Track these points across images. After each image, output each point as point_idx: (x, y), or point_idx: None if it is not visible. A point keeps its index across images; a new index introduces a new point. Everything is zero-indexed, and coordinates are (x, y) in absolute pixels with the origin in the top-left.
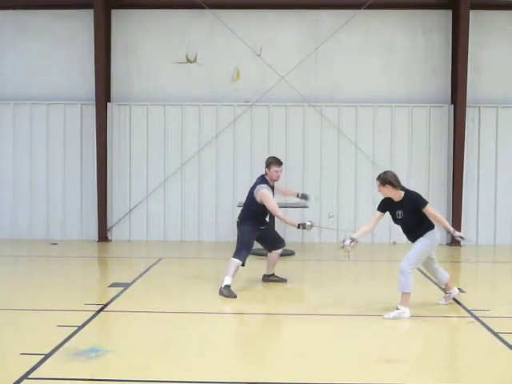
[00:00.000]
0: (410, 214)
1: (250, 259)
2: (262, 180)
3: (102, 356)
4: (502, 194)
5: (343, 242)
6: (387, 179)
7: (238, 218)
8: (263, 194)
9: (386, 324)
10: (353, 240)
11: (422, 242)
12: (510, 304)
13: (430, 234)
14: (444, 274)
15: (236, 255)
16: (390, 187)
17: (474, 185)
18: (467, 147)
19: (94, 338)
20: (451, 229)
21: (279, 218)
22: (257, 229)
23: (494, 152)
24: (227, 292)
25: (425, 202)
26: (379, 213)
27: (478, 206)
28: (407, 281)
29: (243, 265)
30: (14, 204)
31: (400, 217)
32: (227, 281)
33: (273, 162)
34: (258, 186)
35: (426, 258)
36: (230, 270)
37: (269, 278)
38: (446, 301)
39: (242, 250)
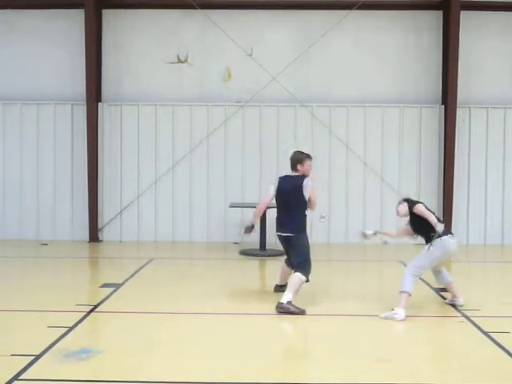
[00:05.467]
0: (411, 218)
1: (242, 260)
2: (299, 176)
3: (93, 357)
4: (493, 194)
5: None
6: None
7: (289, 231)
8: (311, 186)
9: (377, 323)
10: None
11: (428, 250)
12: (499, 303)
13: (437, 242)
14: (446, 276)
15: (300, 270)
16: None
17: (464, 185)
18: (458, 147)
19: (85, 339)
20: (437, 227)
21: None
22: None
23: (484, 152)
24: (294, 307)
25: (412, 204)
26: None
27: (469, 206)
28: (405, 281)
29: (307, 281)
30: (3, 204)
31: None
32: (290, 297)
33: (305, 156)
34: (306, 179)
35: (434, 265)
36: (294, 287)
37: (282, 289)
38: (449, 301)
39: (306, 265)
